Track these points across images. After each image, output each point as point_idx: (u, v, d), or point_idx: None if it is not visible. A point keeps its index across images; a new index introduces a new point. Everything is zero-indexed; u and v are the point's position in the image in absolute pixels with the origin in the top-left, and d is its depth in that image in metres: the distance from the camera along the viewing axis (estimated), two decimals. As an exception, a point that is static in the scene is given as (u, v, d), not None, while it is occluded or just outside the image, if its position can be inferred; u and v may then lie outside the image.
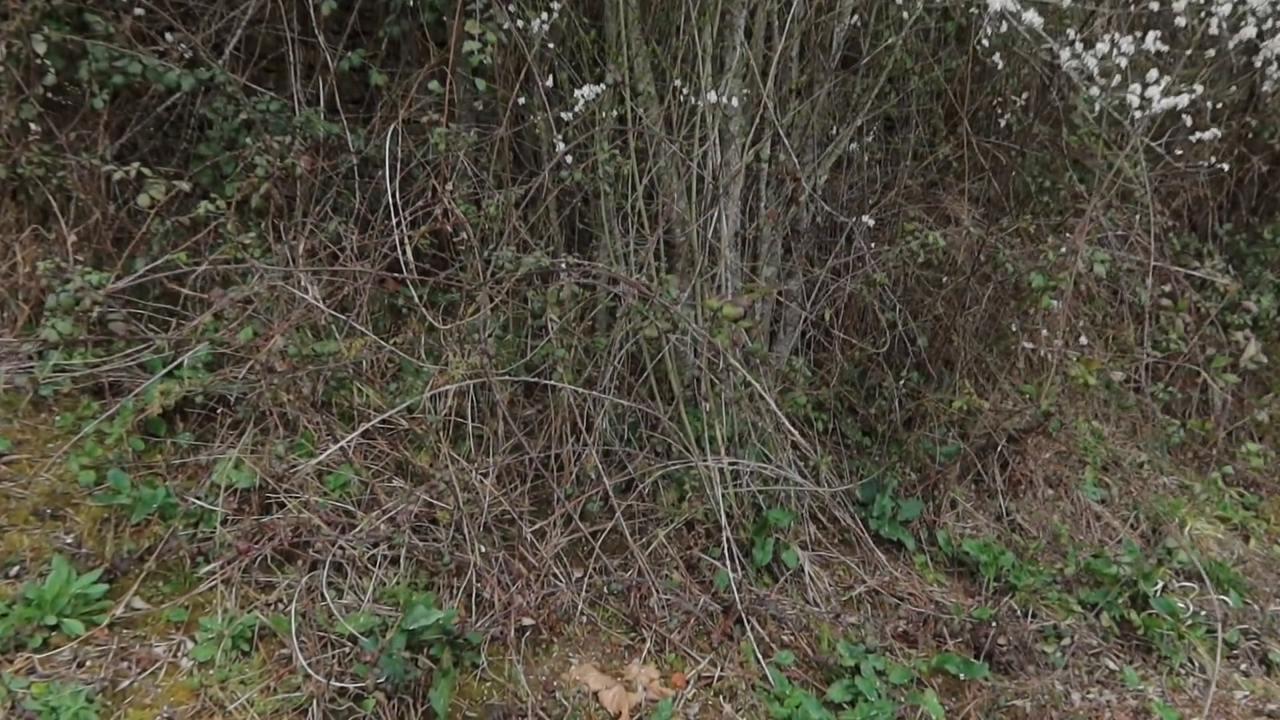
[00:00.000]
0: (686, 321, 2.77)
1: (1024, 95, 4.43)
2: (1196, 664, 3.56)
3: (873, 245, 3.56)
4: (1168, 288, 4.55)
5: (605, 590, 3.17)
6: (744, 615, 3.16)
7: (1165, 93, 2.61)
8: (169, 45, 3.63)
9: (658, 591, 3.22)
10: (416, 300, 2.92)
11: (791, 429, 3.01)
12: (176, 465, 3.26)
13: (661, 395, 3.51)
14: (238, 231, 2.95)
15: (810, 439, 3.70)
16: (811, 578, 3.47)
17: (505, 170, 3.69)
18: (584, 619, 3.14)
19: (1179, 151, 3.08)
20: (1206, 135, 2.99)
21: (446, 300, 3.25)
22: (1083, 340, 3.76)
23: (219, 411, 3.31)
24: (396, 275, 2.93)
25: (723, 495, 3.30)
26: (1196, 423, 4.02)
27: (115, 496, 2.98)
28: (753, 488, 3.47)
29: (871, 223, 3.60)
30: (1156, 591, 3.69)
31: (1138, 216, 4.56)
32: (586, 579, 3.22)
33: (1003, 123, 4.43)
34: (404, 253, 2.98)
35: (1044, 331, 3.81)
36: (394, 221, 2.95)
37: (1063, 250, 3.60)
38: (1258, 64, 4.22)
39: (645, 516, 3.41)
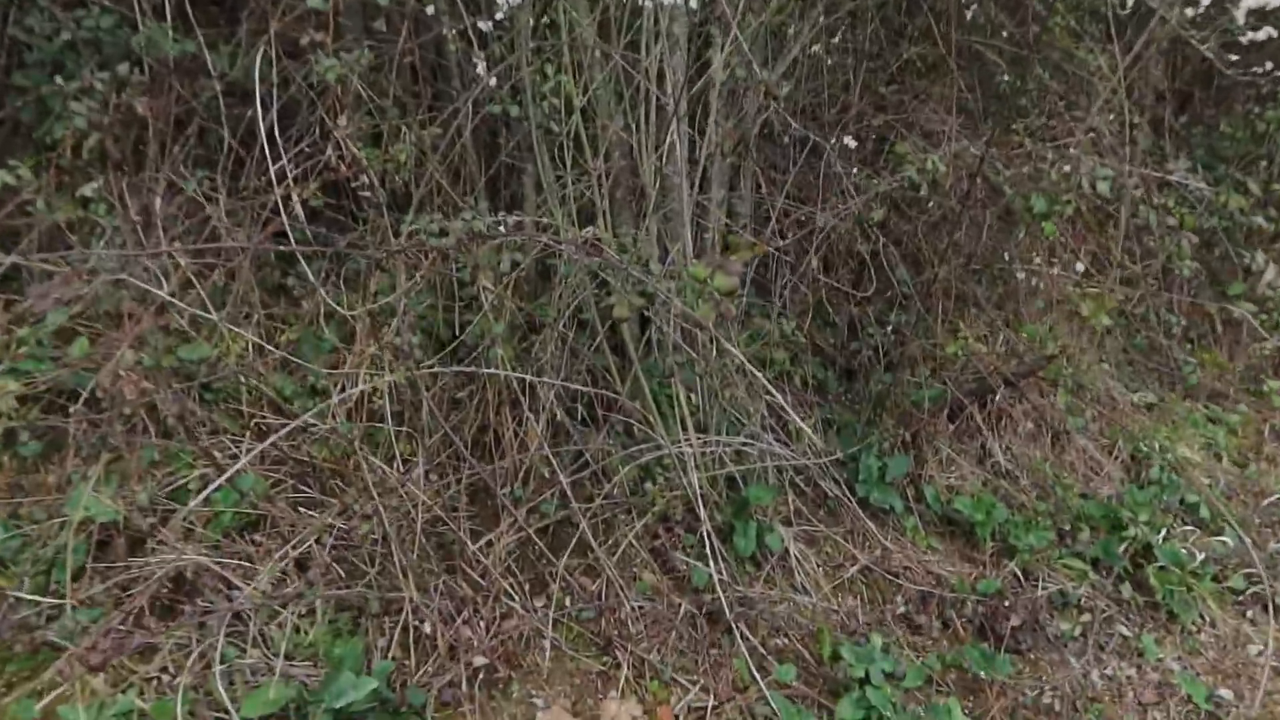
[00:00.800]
0: (668, 294, 2.07)
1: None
2: (1208, 619, 3.13)
3: (855, 170, 2.89)
4: (1140, 191, 4.00)
5: (570, 612, 2.54)
6: (732, 622, 2.57)
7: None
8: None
9: (628, 600, 2.61)
10: (311, 277, 2.15)
11: (774, 392, 2.37)
12: (18, 488, 2.48)
13: (614, 351, 2.84)
14: (52, 206, 2.12)
15: (783, 393, 3.08)
16: (798, 559, 2.90)
17: (410, 94, 2.89)
18: (546, 642, 2.51)
19: (1233, 57, 2.45)
20: (1260, 35, 2.37)
21: (349, 268, 2.49)
22: (1079, 267, 3.19)
23: (72, 411, 2.53)
24: (282, 247, 2.15)
25: (697, 480, 2.67)
26: (1210, 356, 3.52)
27: (-66, 547, 2.22)
28: (729, 465, 2.84)
29: (854, 143, 2.92)
30: (1159, 540, 3.24)
31: (1111, 116, 3.98)
32: (546, 594, 2.59)
33: (969, 14, 3.75)
34: (288, 214, 2.20)
35: (1036, 259, 3.22)
36: (271, 173, 2.16)
37: (1065, 168, 2.98)
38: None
39: (608, 507, 2.77)
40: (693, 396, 2.60)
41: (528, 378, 2.33)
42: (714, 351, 2.46)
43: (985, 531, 3.16)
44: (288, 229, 2.11)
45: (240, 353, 2.05)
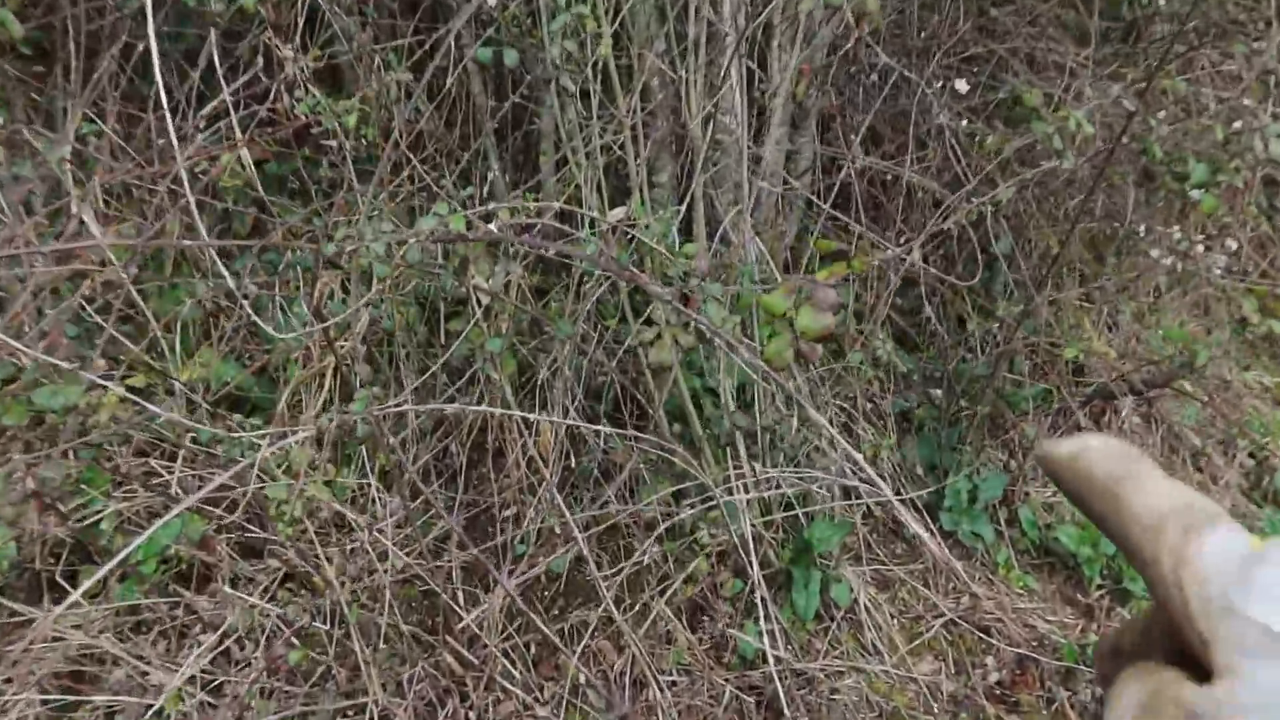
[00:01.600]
0: (722, 335, 1.36)
1: None
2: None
3: (963, 121, 2.12)
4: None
5: (585, 691, 1.92)
6: (786, 712, 1.94)
7: None
8: None
9: (656, 678, 1.98)
10: (231, 283, 1.46)
11: (865, 465, 1.69)
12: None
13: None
14: None
15: (856, 402, 2.39)
16: (868, 609, 2.25)
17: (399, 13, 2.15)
18: (551, 734, 1.90)
19: None
20: None
21: (295, 260, 1.79)
22: (1230, 244, 2.44)
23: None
24: (186, 242, 1.43)
25: (749, 523, 2.01)
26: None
27: None
28: (787, 492, 2.17)
29: (965, 87, 2.14)
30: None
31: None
32: (555, 662, 1.97)
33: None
34: (194, 188, 1.49)
35: (1176, 233, 2.46)
36: (171, 130, 1.45)
37: (1235, 124, 2.21)
38: None
39: (634, 549, 2.12)
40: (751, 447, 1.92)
41: (531, 416, 1.65)
42: (793, 414, 1.76)
43: (1093, 570, 2.49)
44: (194, 208, 1.42)
45: (117, 406, 1.39)
